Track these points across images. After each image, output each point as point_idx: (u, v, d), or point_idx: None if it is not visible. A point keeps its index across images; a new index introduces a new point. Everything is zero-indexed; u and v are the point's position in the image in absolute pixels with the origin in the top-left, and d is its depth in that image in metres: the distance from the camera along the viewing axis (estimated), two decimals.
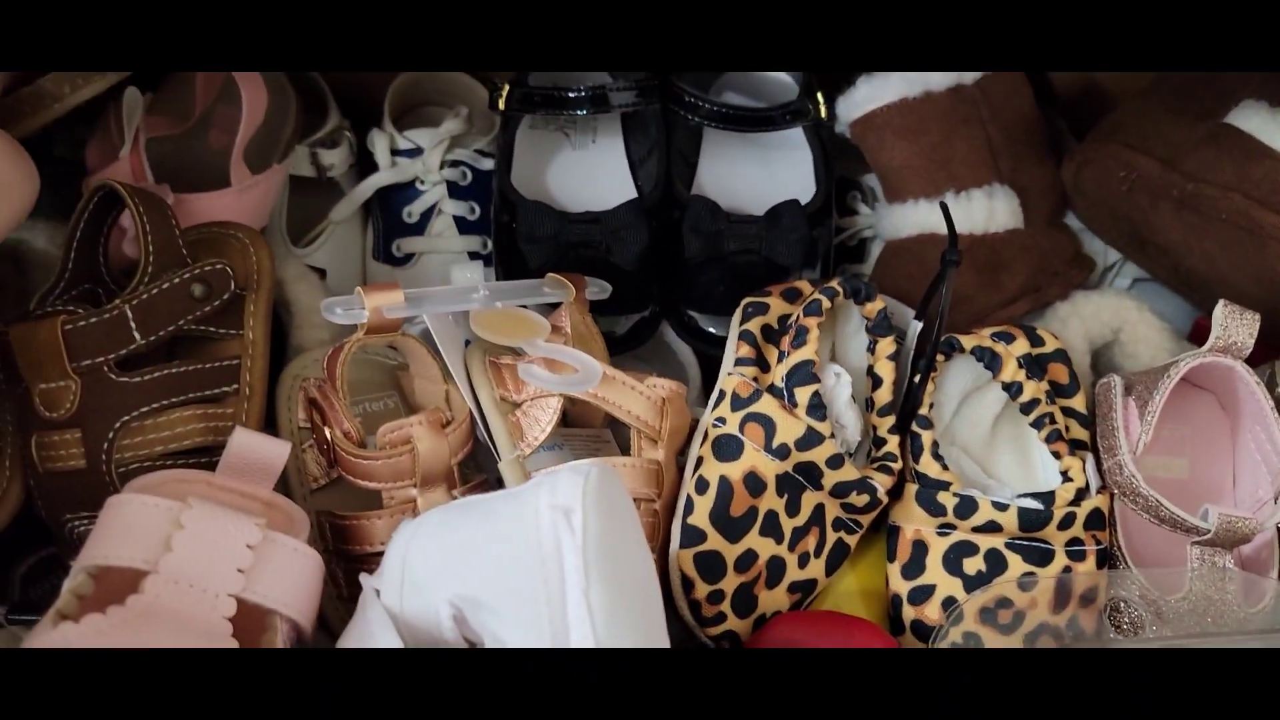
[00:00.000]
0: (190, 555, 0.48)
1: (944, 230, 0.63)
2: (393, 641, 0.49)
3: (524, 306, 0.63)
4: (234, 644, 0.48)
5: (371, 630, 0.50)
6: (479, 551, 0.49)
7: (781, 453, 0.57)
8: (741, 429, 0.58)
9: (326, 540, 0.56)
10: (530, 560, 0.47)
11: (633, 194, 0.71)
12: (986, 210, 0.71)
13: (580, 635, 0.46)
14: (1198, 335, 0.79)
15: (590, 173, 0.75)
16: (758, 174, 0.77)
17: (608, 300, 0.66)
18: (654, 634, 0.49)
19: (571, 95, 0.71)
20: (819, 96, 0.75)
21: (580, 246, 0.65)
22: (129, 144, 0.63)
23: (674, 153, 0.75)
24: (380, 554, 0.52)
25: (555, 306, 0.64)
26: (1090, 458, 0.62)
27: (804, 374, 0.59)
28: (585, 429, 0.65)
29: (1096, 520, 0.59)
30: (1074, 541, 0.59)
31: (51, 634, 0.45)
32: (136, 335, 0.53)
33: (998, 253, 0.72)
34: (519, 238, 0.66)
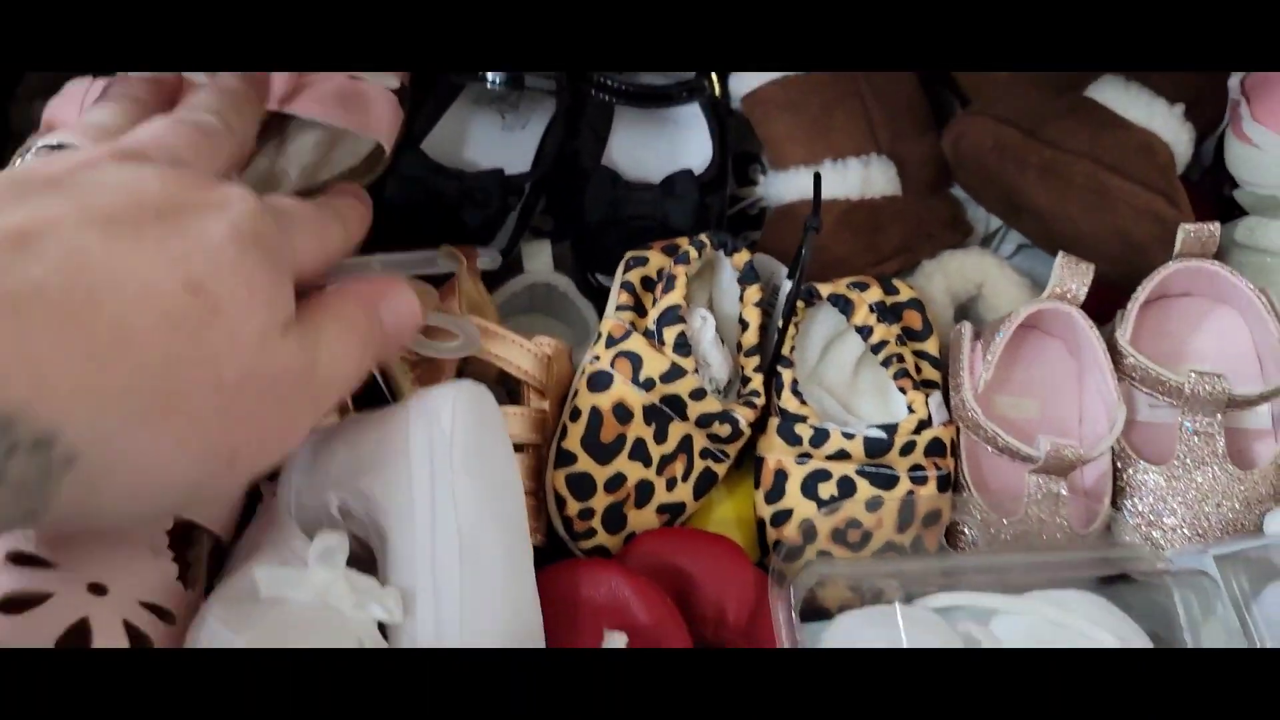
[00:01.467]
0: None
1: (824, 198, 0.70)
2: (289, 528, 0.54)
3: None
4: (170, 554, 0.54)
5: (273, 529, 0.55)
6: (363, 454, 0.55)
7: (647, 385, 0.63)
8: (612, 364, 0.64)
9: None
10: (405, 458, 0.53)
11: (517, 168, 0.77)
12: (862, 177, 0.77)
13: (446, 523, 0.52)
14: None
15: (502, 148, 0.81)
16: (661, 147, 0.83)
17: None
18: (515, 531, 0.54)
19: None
20: (713, 75, 0.81)
21: (440, 195, 0.72)
22: None
23: (585, 127, 0.81)
24: None
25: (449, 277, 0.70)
26: (936, 394, 0.67)
27: (671, 316, 0.65)
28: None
29: (937, 448, 0.65)
30: (916, 467, 0.65)
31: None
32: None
33: (874, 216, 0.77)
34: (390, 174, 0.72)
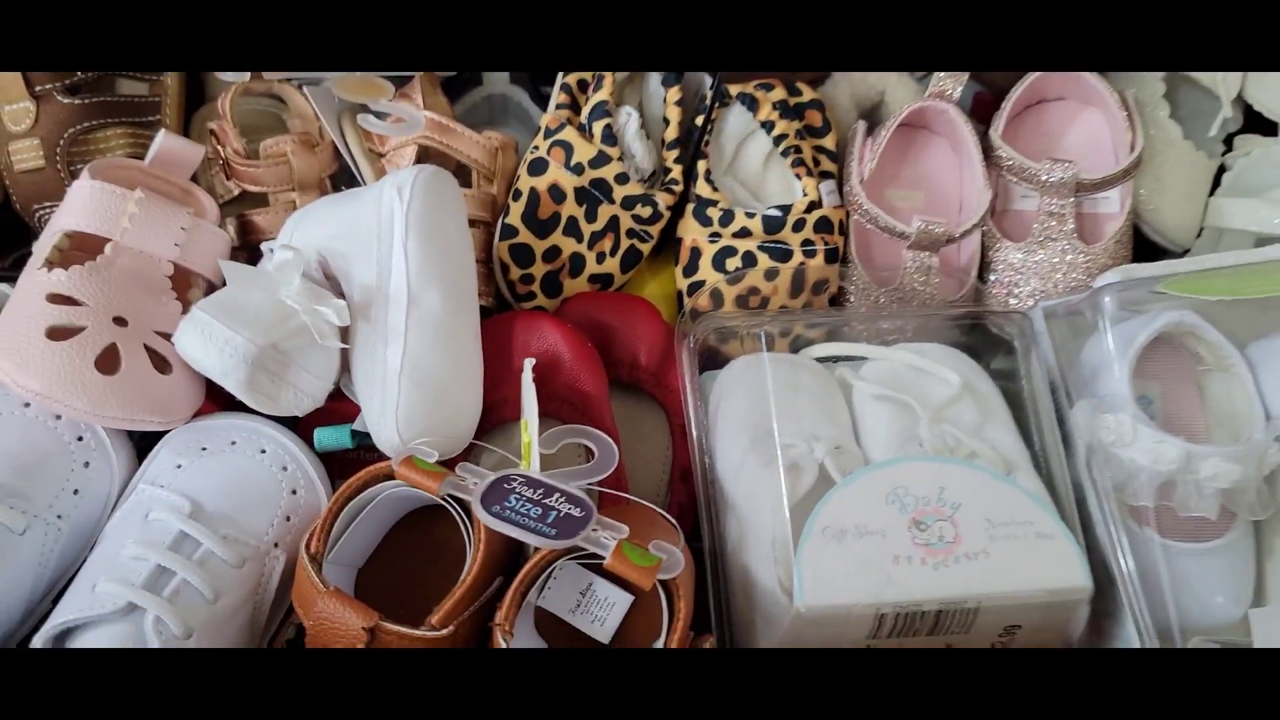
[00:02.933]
0: (141, 230, 0.65)
1: None
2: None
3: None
4: (173, 294, 0.66)
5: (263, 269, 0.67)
6: (341, 218, 0.67)
7: (578, 170, 0.75)
8: (548, 152, 0.75)
9: (232, 237, 0.74)
10: (371, 220, 0.66)
11: None
12: None
13: (398, 275, 0.64)
14: (978, 109, 0.95)
15: None
16: None
17: None
18: (462, 288, 0.66)
19: None
20: None
21: None
22: None
23: None
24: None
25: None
26: (829, 181, 0.78)
27: (599, 111, 0.76)
28: None
29: (825, 226, 0.77)
30: (807, 242, 0.76)
31: (47, 276, 0.63)
32: (77, 70, 0.71)
33: None
34: None
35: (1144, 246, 0.84)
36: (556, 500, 0.57)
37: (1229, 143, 0.86)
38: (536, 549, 0.58)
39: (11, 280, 0.71)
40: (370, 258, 0.64)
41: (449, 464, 0.61)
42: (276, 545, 0.61)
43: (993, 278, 0.80)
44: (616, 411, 0.71)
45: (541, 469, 0.59)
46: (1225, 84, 0.82)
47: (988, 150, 0.80)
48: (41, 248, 0.65)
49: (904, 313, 0.75)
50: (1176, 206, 0.82)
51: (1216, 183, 0.85)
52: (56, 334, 0.61)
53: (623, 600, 0.61)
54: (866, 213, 0.77)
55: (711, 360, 0.74)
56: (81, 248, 0.65)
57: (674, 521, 0.60)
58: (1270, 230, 0.80)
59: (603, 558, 0.55)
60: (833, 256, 0.77)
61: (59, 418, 0.62)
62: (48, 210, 0.71)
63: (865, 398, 0.71)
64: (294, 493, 0.63)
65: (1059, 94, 0.83)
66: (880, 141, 0.78)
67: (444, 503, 0.59)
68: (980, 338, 0.76)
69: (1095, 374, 0.69)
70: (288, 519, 0.62)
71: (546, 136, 0.76)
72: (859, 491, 0.63)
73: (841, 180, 0.80)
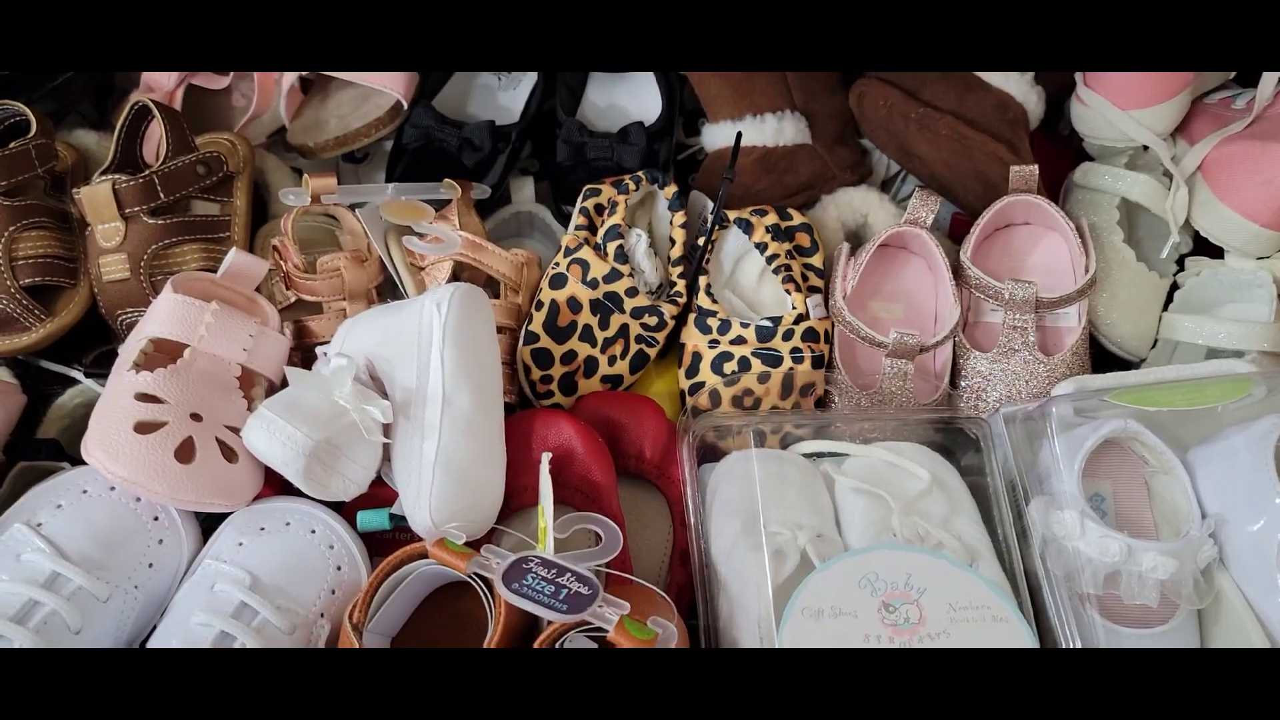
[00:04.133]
0: (215, 337, 0.75)
1: (746, 145, 0.90)
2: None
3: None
4: (240, 393, 0.76)
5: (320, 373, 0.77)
6: (387, 327, 0.77)
7: (593, 284, 0.85)
8: (567, 268, 0.85)
9: (289, 340, 0.84)
10: (413, 330, 0.75)
11: (509, 119, 0.98)
12: (776, 130, 0.96)
13: (435, 378, 0.74)
14: (955, 228, 1.05)
15: (497, 104, 1.02)
16: (624, 104, 1.04)
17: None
18: (490, 389, 0.76)
19: None
20: None
21: (443, 141, 0.94)
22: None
23: (563, 88, 1.02)
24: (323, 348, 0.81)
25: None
26: (816, 295, 0.88)
27: (613, 233, 0.86)
28: None
29: (812, 336, 0.86)
30: (795, 350, 0.86)
31: (135, 378, 0.73)
32: (161, 194, 0.81)
33: (785, 160, 0.97)
34: (407, 124, 0.94)
35: (1105, 356, 0.93)
36: (568, 579, 0.65)
37: (1182, 263, 0.96)
38: (549, 622, 0.66)
39: (96, 376, 0.82)
40: (411, 362, 0.74)
41: (474, 545, 0.69)
42: (323, 615, 0.70)
43: (963, 384, 0.88)
44: (623, 500, 0.80)
45: (555, 551, 0.68)
46: (1174, 212, 0.92)
47: (958, 269, 0.89)
48: (129, 351, 0.74)
49: (883, 414, 0.84)
50: (1130, 321, 0.91)
51: (1171, 299, 0.94)
52: (142, 428, 0.70)
53: None
54: (849, 324, 0.87)
55: (709, 454, 0.83)
56: (163, 351, 0.75)
57: (669, 600, 0.69)
58: (1217, 343, 0.89)
59: (607, 630, 0.63)
60: (819, 363, 0.86)
61: (139, 500, 0.71)
62: (129, 315, 0.82)
63: (846, 490, 0.79)
64: (339, 569, 0.72)
65: (1024, 219, 0.93)
66: (861, 261, 0.88)
67: (470, 580, 0.68)
68: (952, 437, 0.84)
69: (1048, 474, 0.77)
70: (333, 592, 0.71)
71: (566, 255, 0.86)
72: (835, 576, 0.71)
73: (827, 295, 0.90)
